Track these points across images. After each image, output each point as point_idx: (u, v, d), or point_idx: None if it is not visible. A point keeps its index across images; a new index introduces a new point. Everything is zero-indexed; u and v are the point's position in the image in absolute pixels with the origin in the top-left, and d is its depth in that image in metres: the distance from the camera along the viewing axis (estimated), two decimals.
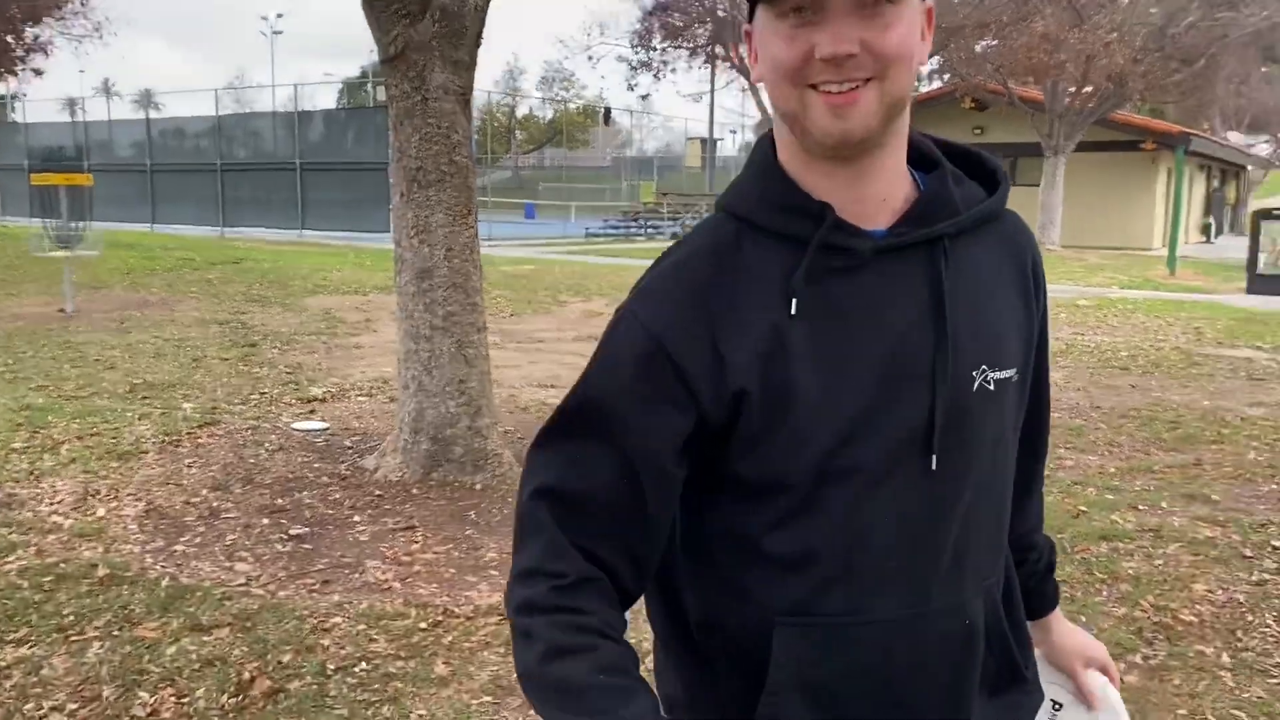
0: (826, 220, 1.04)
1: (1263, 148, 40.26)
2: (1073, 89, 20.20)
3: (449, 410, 5.27)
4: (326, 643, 3.44)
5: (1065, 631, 1.38)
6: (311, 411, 6.79)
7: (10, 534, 4.39)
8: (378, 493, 5.09)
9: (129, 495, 4.95)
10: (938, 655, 1.11)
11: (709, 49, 27.32)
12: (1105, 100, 20.42)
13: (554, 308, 12.75)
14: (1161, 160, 25.96)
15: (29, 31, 24.93)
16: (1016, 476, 1.20)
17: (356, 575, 4.08)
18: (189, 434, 6.08)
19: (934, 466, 1.06)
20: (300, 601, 3.78)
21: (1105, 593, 3.97)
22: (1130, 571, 4.17)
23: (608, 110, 42.03)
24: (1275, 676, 3.31)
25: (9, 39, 24.53)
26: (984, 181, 1.15)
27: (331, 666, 3.28)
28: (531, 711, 3.17)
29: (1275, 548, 4.45)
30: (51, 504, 4.80)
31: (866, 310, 1.05)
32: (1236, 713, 3.09)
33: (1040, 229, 22.45)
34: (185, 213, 27.23)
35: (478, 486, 5.18)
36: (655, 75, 27.77)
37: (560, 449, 1.07)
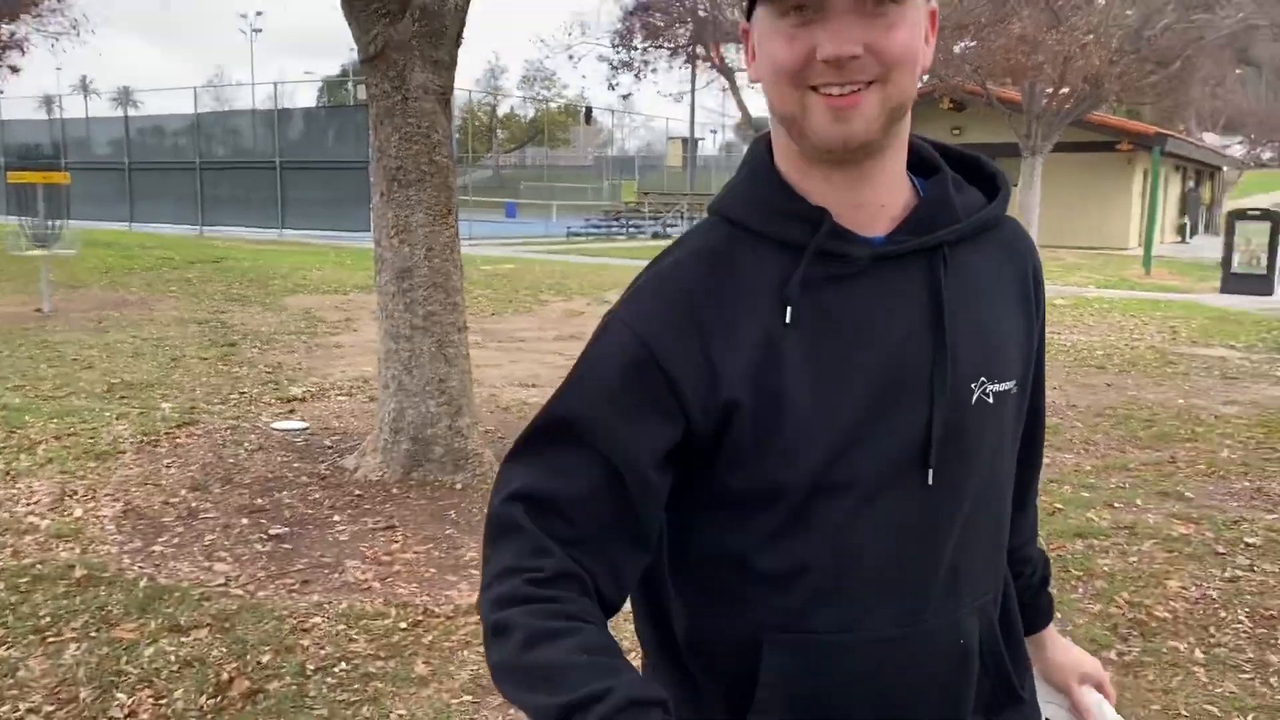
0: (823, 226, 1.01)
1: (1237, 149, 40.67)
2: (1050, 90, 20.33)
3: (429, 410, 5.27)
4: (306, 643, 3.44)
5: (1060, 648, 1.35)
6: (291, 411, 6.77)
7: None
8: (358, 492, 5.08)
9: (107, 495, 4.93)
10: (931, 675, 1.07)
11: (690, 49, 27.34)
12: (1082, 101, 20.56)
13: (535, 307, 12.74)
14: (1138, 161, 26.19)
15: (5, 28, 24.67)
16: (1013, 489, 1.18)
17: (336, 575, 4.07)
18: (167, 434, 6.05)
19: (930, 481, 1.03)
20: (279, 602, 3.77)
21: (1081, 589, 4.01)
22: (1105, 568, 4.21)
23: (589, 109, 42.03)
24: (1247, 672, 3.36)
25: None
26: (983, 187, 1.12)
27: (311, 667, 3.27)
28: (512, 711, 3.17)
29: (1248, 544, 4.51)
30: (28, 504, 4.77)
31: (863, 319, 1.02)
32: (1209, 707, 3.13)
33: None
34: (164, 211, 27.04)
35: (458, 486, 5.18)
36: (636, 75, 27.77)
37: (540, 456, 1.03)
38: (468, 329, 5.54)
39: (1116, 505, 5.04)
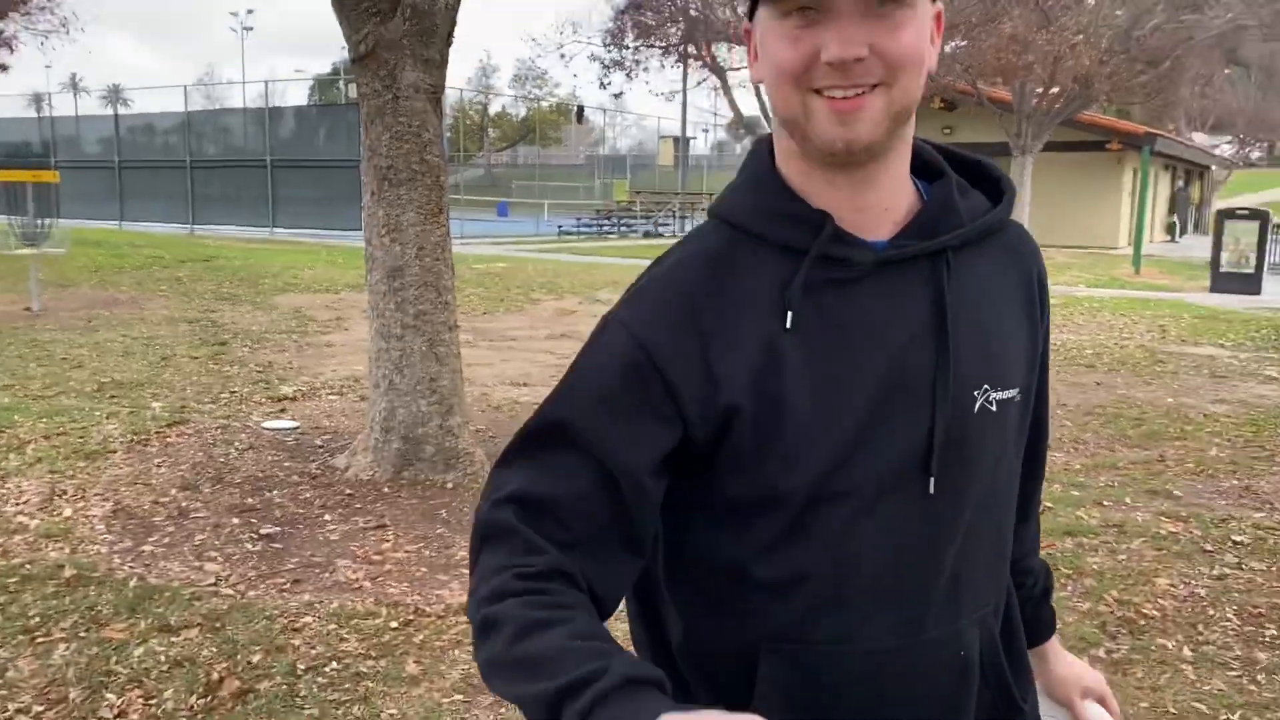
0: (825, 230, 0.99)
1: (1226, 148, 40.83)
2: (1040, 90, 20.38)
3: (420, 409, 5.26)
4: (297, 642, 3.44)
5: (1062, 661, 1.33)
6: (282, 410, 6.76)
7: None
8: (348, 492, 5.07)
9: (96, 495, 4.91)
10: (930, 687, 1.06)
11: (681, 48, 27.34)
12: (1072, 101, 20.63)
13: (527, 306, 12.73)
14: (1127, 160, 26.29)
15: None
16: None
17: (327, 574, 4.07)
18: (158, 433, 6.03)
19: (932, 490, 1.01)
20: (270, 601, 3.77)
21: (1070, 588, 4.03)
22: (1094, 567, 4.23)
23: (580, 108, 41.97)
24: (1235, 669, 3.38)
25: None
26: (987, 191, 1.11)
27: (302, 666, 3.27)
28: (504, 709, 3.16)
29: (1236, 543, 4.53)
30: (17, 504, 4.75)
31: (865, 324, 1.00)
32: (1197, 705, 3.15)
33: None
34: (154, 210, 26.96)
35: (449, 485, 5.18)
36: (628, 74, 27.75)
37: (533, 460, 1.00)
38: (459, 328, 5.54)
39: (1106, 503, 5.07)
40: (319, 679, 3.20)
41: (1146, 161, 21.57)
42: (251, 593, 3.86)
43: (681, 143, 40.64)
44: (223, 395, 7.11)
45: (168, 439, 5.94)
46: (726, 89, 27.85)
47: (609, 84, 27.99)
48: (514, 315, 11.92)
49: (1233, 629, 3.68)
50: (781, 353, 0.98)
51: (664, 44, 27.00)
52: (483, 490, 1.03)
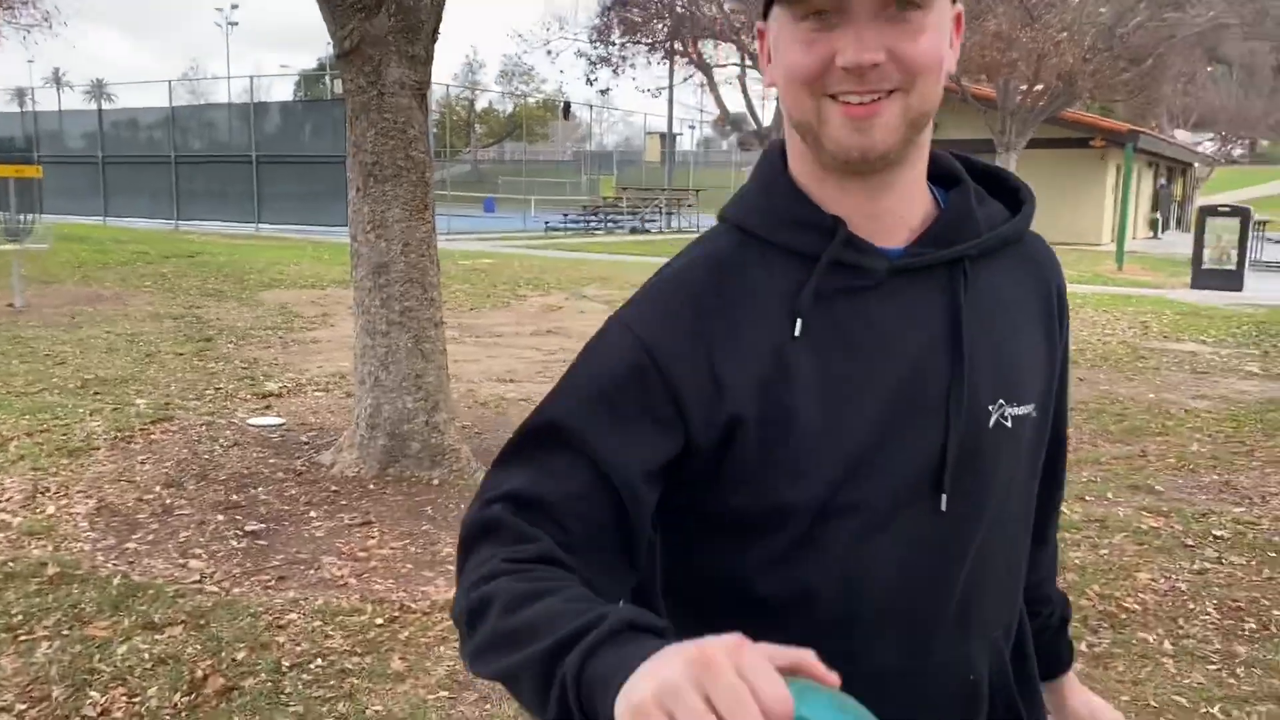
0: (838, 235, 0.96)
1: (1208, 145, 41.13)
2: (1024, 87, 20.48)
3: (406, 405, 5.26)
4: (281, 639, 3.43)
5: (1080, 696, 1.28)
6: (267, 407, 6.74)
7: None
8: (334, 488, 5.07)
9: (79, 492, 4.89)
10: (936, 712, 1.02)
11: (668, 45, 27.33)
12: (1056, 98, 20.73)
13: (513, 302, 12.72)
14: (1111, 157, 26.44)
15: None
16: (1032, 521, 1.13)
17: (312, 571, 4.06)
18: (142, 430, 6.01)
19: (944, 507, 0.97)
20: (255, 598, 3.76)
21: None
22: (1077, 561, 4.26)
23: (567, 104, 41.91)
24: (1215, 663, 3.41)
25: None
26: (1005, 201, 1.08)
27: (286, 663, 3.27)
28: (489, 706, 3.16)
29: (1216, 537, 4.57)
30: None
31: (877, 334, 0.96)
32: (1177, 698, 3.18)
33: None
34: (138, 206, 26.81)
35: (435, 482, 5.18)
36: (614, 70, 27.71)
37: (527, 460, 0.95)
38: (445, 324, 5.54)
39: (1088, 499, 5.10)
40: (304, 676, 3.20)
41: (1130, 158, 21.69)
42: (236, 590, 3.85)
43: (668, 139, 40.66)
44: (207, 392, 7.09)
45: (152, 436, 5.91)
46: (713, 85, 27.86)
47: (595, 80, 27.91)
48: (500, 311, 11.90)
49: (1212, 623, 3.72)
50: (790, 361, 0.95)
51: (650, 40, 26.97)
52: (476, 495, 0.98)
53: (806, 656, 0.68)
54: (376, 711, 3.01)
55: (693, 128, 50.24)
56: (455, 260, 16.81)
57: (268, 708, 3.01)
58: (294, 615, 3.62)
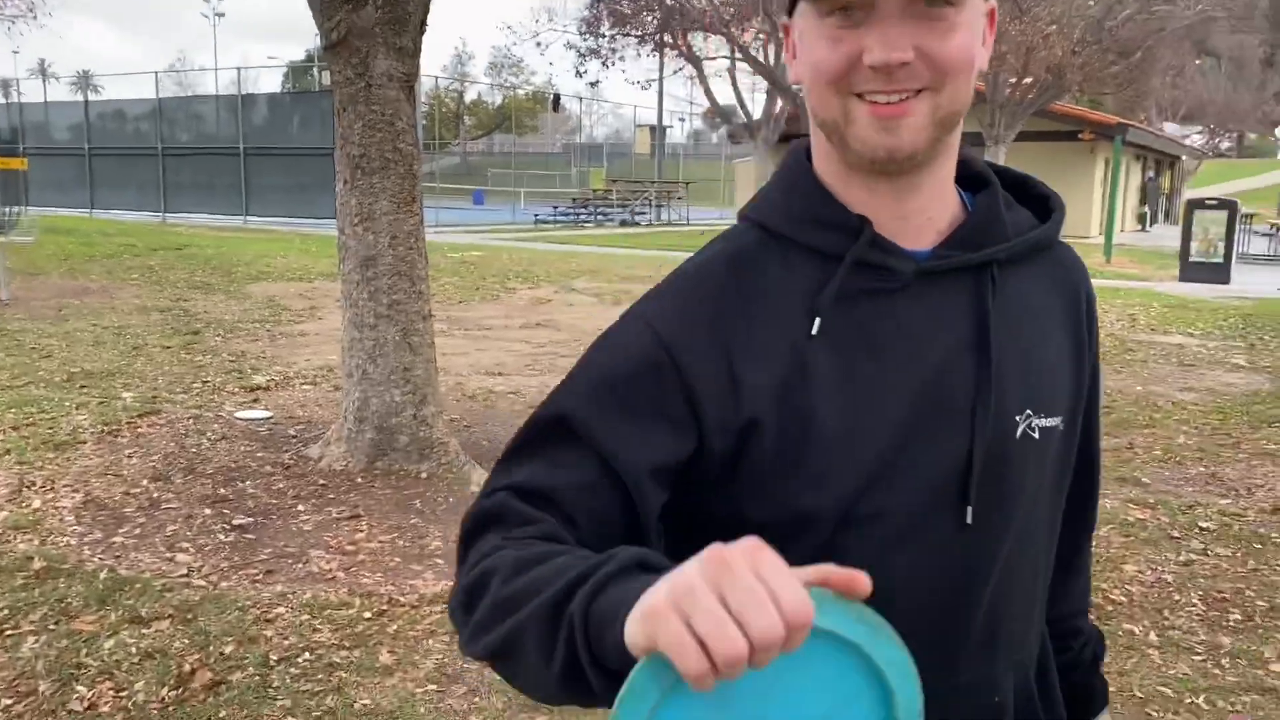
0: (864, 235, 0.93)
1: (1196, 139, 41.27)
2: (1013, 80, 20.51)
3: (394, 399, 5.25)
4: (269, 633, 3.43)
5: None
6: (255, 400, 6.72)
7: None
8: (322, 482, 5.05)
9: (66, 486, 4.87)
10: None
11: (657, 37, 27.28)
12: (1045, 91, 20.76)
13: (502, 295, 12.70)
14: (1099, 150, 26.52)
15: None
16: (1061, 549, 1.09)
17: (300, 565, 4.05)
18: (129, 423, 5.98)
19: (969, 519, 0.93)
20: (243, 592, 3.75)
21: None
22: None
23: (557, 97, 41.85)
24: (1200, 654, 3.43)
25: None
26: (1034, 208, 1.05)
27: (274, 657, 3.26)
28: (478, 699, 3.16)
29: (1202, 529, 4.60)
30: None
31: (901, 338, 0.93)
32: (1163, 689, 3.20)
33: None
34: (125, 198, 26.65)
35: (423, 475, 5.17)
36: (604, 62, 27.65)
37: (534, 453, 0.92)
38: (433, 317, 5.53)
39: None
40: (292, 670, 3.19)
41: (1118, 151, 21.76)
42: (224, 584, 3.84)
43: (658, 131, 40.61)
44: (195, 385, 7.06)
45: (139, 429, 5.89)
46: (703, 78, 27.81)
47: (585, 72, 27.83)
48: (489, 304, 11.88)
49: (1198, 614, 3.74)
50: (808, 360, 0.91)
51: (640, 33, 26.92)
52: (481, 488, 0.96)
53: (833, 570, 0.66)
54: (365, 705, 3.01)
55: (683, 120, 50.30)
56: (444, 253, 16.77)
57: (255, 701, 3.00)
58: (282, 609, 3.61)
